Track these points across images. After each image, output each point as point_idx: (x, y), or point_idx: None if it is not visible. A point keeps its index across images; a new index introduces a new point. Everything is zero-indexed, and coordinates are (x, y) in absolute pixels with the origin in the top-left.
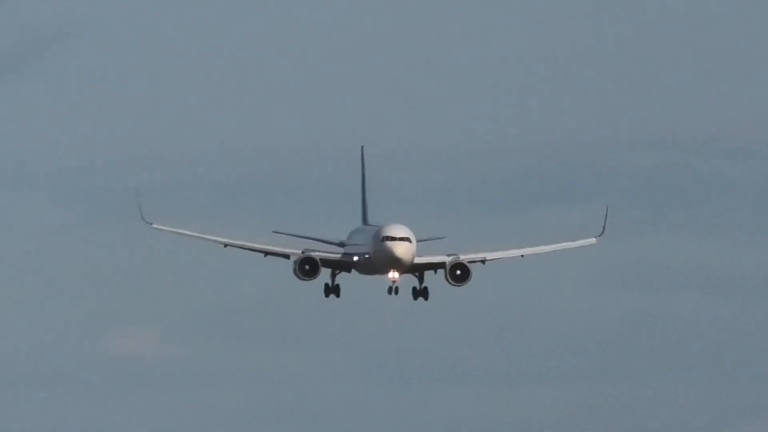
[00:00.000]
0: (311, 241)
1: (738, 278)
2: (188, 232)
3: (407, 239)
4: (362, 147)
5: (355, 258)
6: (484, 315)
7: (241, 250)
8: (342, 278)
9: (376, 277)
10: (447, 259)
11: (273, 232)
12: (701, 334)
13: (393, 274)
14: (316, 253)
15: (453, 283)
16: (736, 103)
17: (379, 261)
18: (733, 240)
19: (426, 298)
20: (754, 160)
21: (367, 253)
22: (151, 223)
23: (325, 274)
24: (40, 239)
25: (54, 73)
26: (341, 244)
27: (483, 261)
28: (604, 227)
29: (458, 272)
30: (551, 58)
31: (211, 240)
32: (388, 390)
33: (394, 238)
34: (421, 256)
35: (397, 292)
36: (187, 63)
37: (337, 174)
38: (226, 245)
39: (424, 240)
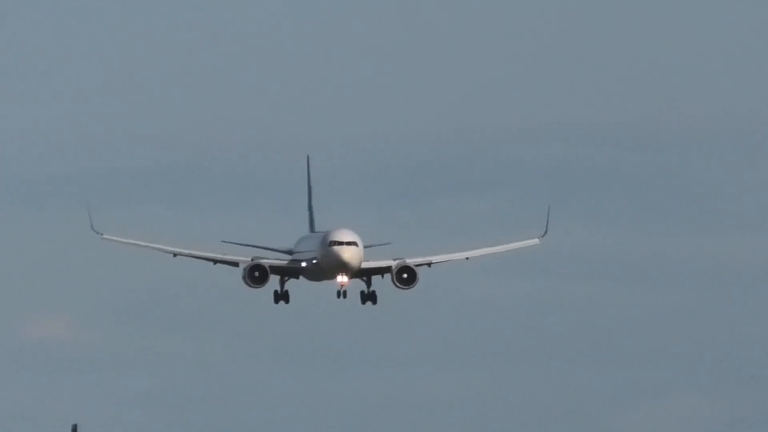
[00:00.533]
0: (259, 249)
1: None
2: (138, 242)
3: (354, 243)
4: (308, 156)
5: (303, 264)
6: (431, 317)
7: (191, 258)
8: (291, 285)
9: (324, 282)
10: (393, 263)
11: (222, 241)
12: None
13: (341, 278)
14: (265, 261)
15: (400, 286)
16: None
17: (326, 265)
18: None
19: (374, 302)
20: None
21: (314, 258)
22: (102, 234)
23: (274, 281)
24: None
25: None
26: (289, 252)
27: (429, 264)
28: (546, 228)
29: (405, 275)
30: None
31: (161, 249)
32: (338, 389)
33: (341, 243)
34: (368, 261)
35: (345, 296)
36: (129, 65)
37: (283, 183)
38: (175, 254)
39: (371, 246)
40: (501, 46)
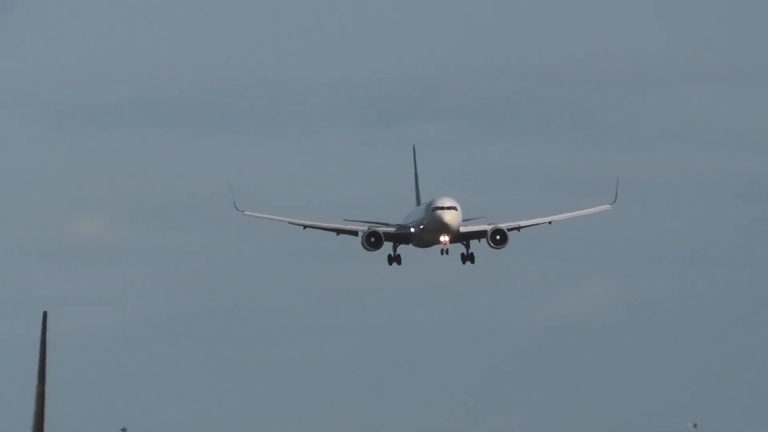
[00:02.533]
0: (375, 224)
1: None
2: (275, 217)
3: (454, 208)
4: (414, 146)
5: (412, 229)
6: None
7: (319, 230)
8: (402, 250)
9: (429, 250)
10: (488, 227)
11: (344, 219)
12: None
13: (444, 238)
14: (380, 228)
15: (494, 246)
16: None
17: (431, 228)
18: None
19: (473, 262)
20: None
21: (421, 223)
22: (243, 211)
23: (387, 247)
24: None
25: None
26: (399, 227)
27: (518, 228)
28: (616, 195)
29: (498, 237)
30: None
31: (294, 223)
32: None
33: (442, 208)
34: (466, 226)
35: (447, 253)
36: None
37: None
38: (305, 227)
39: (468, 219)
40: None
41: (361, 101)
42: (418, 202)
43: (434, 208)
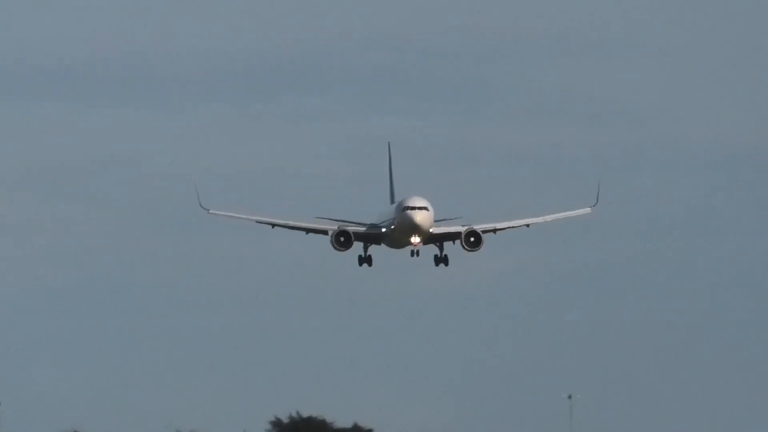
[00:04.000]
0: (346, 223)
1: None
2: (241, 216)
3: (425, 208)
4: (389, 143)
5: (383, 229)
6: (496, 277)
7: (287, 229)
8: (372, 250)
9: (401, 251)
10: (462, 229)
11: (316, 217)
12: None
13: (415, 239)
14: (350, 227)
15: (467, 248)
16: None
17: (402, 228)
18: None
19: (446, 264)
20: None
21: (392, 223)
22: (208, 210)
23: (357, 247)
24: None
25: None
26: (371, 225)
27: (494, 231)
28: (597, 197)
29: (472, 239)
30: None
31: (261, 221)
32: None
33: (413, 208)
34: (440, 227)
35: (418, 255)
36: None
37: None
38: (273, 225)
39: (443, 219)
40: None
41: (241, 73)
42: (392, 201)
43: (404, 207)
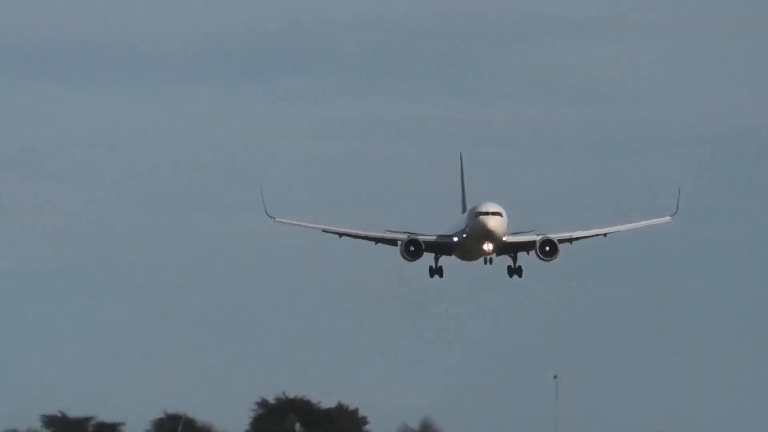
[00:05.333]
0: (417, 234)
1: None
2: (309, 224)
3: (498, 213)
4: (461, 153)
5: (455, 238)
6: (573, 289)
7: (356, 239)
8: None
9: (473, 263)
10: (537, 238)
11: (386, 230)
12: None
13: (488, 246)
14: (420, 237)
15: (542, 258)
16: None
17: (474, 235)
18: None
19: (520, 276)
20: None
21: (464, 230)
22: (275, 218)
23: (428, 258)
24: None
25: None
26: (440, 236)
27: (570, 241)
28: (677, 206)
29: (547, 248)
30: None
31: (329, 230)
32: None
33: (487, 213)
34: (514, 237)
35: (491, 262)
36: None
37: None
38: (341, 235)
39: (517, 233)
40: None
41: (226, 53)
42: (464, 211)
43: (477, 213)
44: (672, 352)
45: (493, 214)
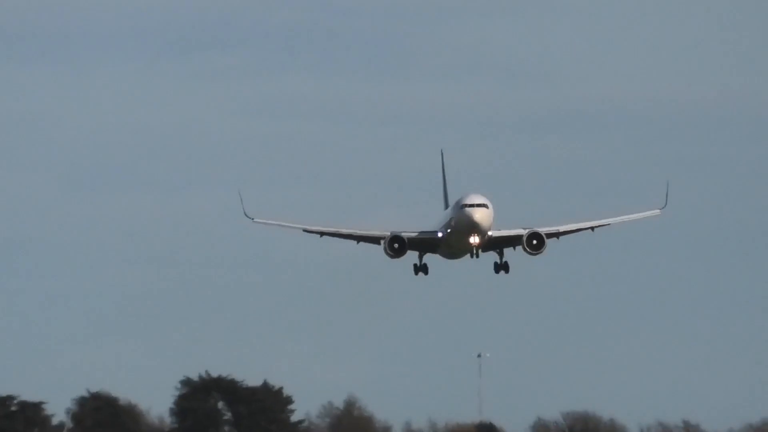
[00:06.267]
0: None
1: None
2: (287, 224)
3: (484, 205)
4: (441, 150)
5: (439, 233)
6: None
7: (336, 238)
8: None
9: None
10: (524, 232)
11: (366, 228)
12: None
13: (474, 239)
14: (404, 233)
15: (530, 251)
16: None
17: (460, 228)
18: None
19: (507, 272)
20: None
21: (449, 224)
22: (254, 219)
23: (412, 255)
24: None
25: None
26: (424, 232)
27: (557, 235)
28: (666, 200)
29: (534, 242)
30: None
31: (308, 230)
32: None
33: (472, 205)
34: (500, 231)
35: (478, 256)
36: None
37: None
38: (321, 234)
39: (502, 232)
40: None
41: (152, 30)
42: (446, 205)
43: (462, 205)
44: (660, 344)
45: (479, 205)
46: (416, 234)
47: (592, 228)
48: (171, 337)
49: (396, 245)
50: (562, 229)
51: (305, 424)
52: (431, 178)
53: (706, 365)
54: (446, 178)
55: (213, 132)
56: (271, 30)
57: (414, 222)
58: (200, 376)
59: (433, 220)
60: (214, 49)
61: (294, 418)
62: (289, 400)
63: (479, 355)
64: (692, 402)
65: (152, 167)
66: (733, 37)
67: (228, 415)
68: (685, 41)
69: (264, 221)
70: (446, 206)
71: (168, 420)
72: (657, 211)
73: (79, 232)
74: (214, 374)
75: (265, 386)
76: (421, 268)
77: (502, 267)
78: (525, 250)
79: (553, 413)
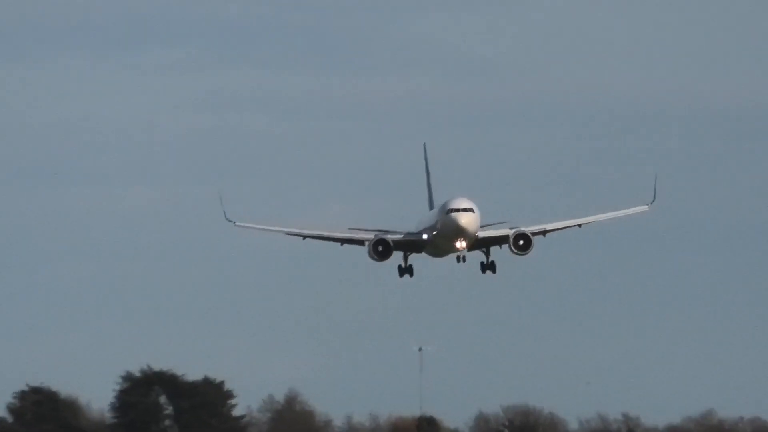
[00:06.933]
0: (383, 232)
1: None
2: (270, 227)
3: (470, 210)
4: (424, 144)
5: (424, 236)
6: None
7: (320, 241)
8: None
9: (445, 259)
10: (510, 231)
11: (349, 228)
12: None
13: (460, 243)
14: (388, 236)
15: (516, 252)
16: None
17: (445, 233)
18: None
19: (494, 272)
20: None
21: (434, 227)
22: (235, 222)
23: (397, 256)
24: None
25: None
26: (409, 234)
27: (544, 233)
28: (654, 195)
29: (521, 242)
30: None
31: (291, 233)
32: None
33: (458, 210)
34: (486, 231)
35: (464, 260)
36: None
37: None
38: (304, 237)
39: (488, 225)
40: None
41: (96, 24)
42: (431, 207)
43: (448, 210)
44: (652, 339)
45: (465, 210)
46: (401, 236)
47: (580, 225)
48: (112, 331)
49: (380, 248)
50: (549, 227)
51: (246, 418)
52: (414, 174)
53: (648, 359)
54: (429, 172)
55: (180, 129)
56: (214, 25)
57: (396, 219)
58: (141, 371)
59: (417, 217)
60: (161, 43)
61: (235, 412)
62: (230, 395)
63: (420, 349)
64: (632, 395)
65: (96, 161)
66: (719, 31)
67: (169, 410)
68: (670, 34)
69: (245, 225)
70: (430, 201)
71: (109, 414)
72: (645, 207)
73: (20, 226)
74: (156, 368)
75: (207, 381)
76: (406, 270)
77: (488, 267)
78: (512, 250)
79: (493, 407)
